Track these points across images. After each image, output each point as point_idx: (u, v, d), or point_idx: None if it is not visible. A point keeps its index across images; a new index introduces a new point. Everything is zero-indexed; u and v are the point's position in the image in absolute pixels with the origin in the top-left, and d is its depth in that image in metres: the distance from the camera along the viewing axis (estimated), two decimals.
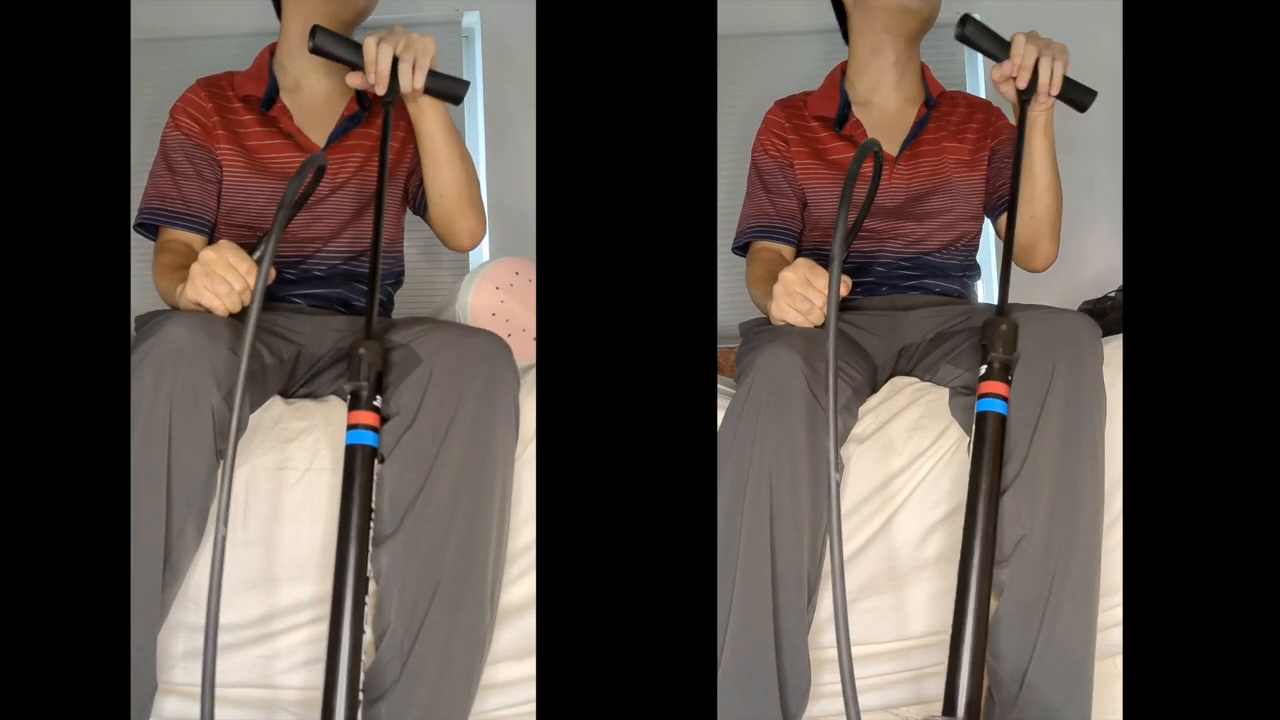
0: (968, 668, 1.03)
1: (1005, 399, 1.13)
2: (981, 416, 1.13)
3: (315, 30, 1.31)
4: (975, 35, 1.34)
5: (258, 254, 1.18)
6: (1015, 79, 1.31)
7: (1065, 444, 1.15)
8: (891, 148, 1.48)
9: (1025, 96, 1.32)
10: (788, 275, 1.25)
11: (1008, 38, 1.34)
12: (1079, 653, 1.14)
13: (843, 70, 1.56)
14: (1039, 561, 1.14)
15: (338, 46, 1.32)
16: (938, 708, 1.20)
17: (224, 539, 0.92)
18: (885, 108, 1.51)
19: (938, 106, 1.51)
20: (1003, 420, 1.12)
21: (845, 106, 1.51)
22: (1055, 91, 1.31)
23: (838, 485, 0.95)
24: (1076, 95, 1.36)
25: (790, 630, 1.15)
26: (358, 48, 1.30)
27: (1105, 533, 1.22)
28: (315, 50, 1.31)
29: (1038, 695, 1.12)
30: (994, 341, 1.15)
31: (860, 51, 1.53)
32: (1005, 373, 1.14)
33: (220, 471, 0.92)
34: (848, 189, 1.05)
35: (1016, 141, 1.30)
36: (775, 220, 1.51)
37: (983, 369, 1.16)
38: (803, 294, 1.24)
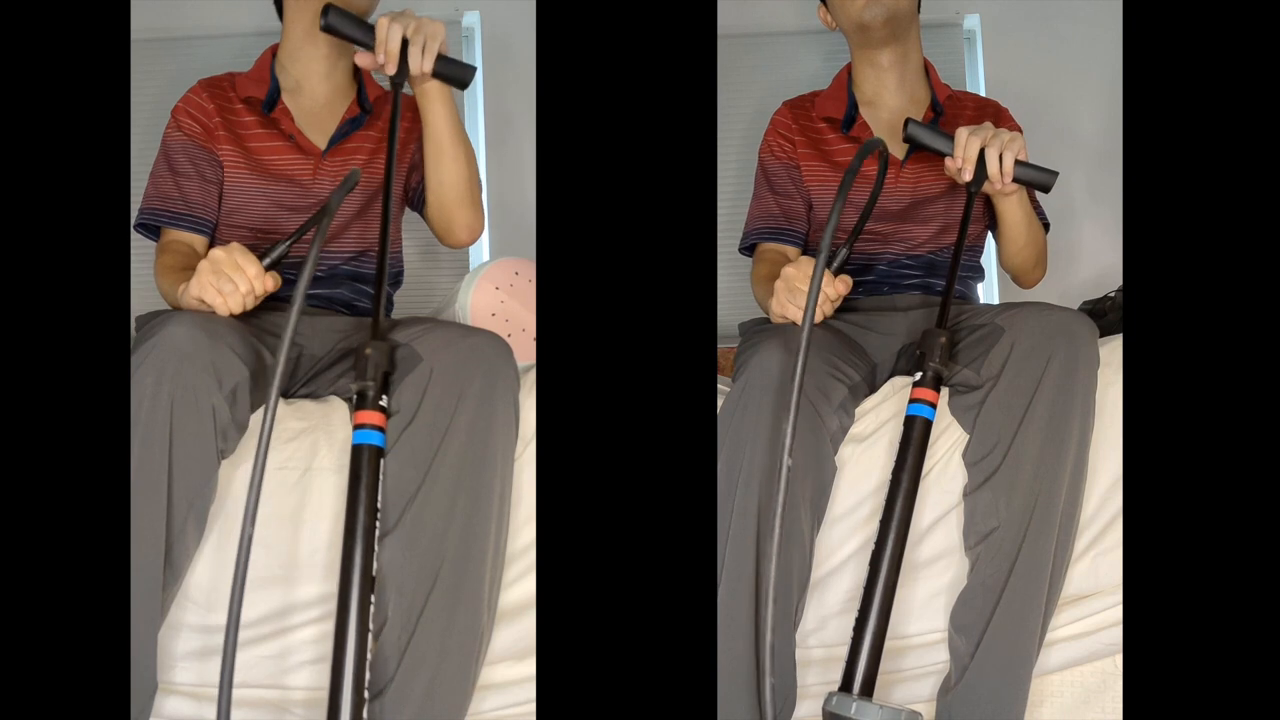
0: (867, 650, 1.08)
1: (933, 405, 1.17)
2: (910, 419, 1.17)
3: (328, 8, 1.31)
4: (919, 134, 1.36)
5: (268, 260, 1.18)
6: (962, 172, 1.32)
7: (1049, 441, 1.16)
8: (899, 150, 1.48)
9: (973, 188, 1.32)
10: (790, 271, 1.26)
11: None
12: (1027, 636, 1.17)
13: (850, 71, 1.56)
14: (1007, 550, 1.16)
15: (349, 26, 1.32)
16: (929, 708, 1.21)
17: (250, 539, 0.92)
18: (891, 109, 1.51)
19: (945, 111, 1.51)
20: (928, 425, 1.17)
21: (853, 108, 1.51)
22: (1008, 180, 1.31)
23: (789, 470, 0.99)
24: (1036, 178, 1.33)
25: (774, 631, 1.15)
26: (369, 28, 1.31)
27: (1105, 532, 1.23)
28: (327, 28, 1.32)
29: (987, 666, 1.16)
30: (931, 352, 1.19)
31: (855, 57, 1.53)
32: (937, 382, 1.19)
33: (253, 468, 0.92)
34: (845, 184, 1.06)
35: (960, 229, 1.30)
36: (781, 222, 1.51)
37: (917, 375, 1.19)
38: (804, 290, 1.24)
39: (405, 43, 1.29)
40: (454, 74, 1.33)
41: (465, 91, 2.01)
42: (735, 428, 1.18)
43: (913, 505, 1.14)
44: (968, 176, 1.31)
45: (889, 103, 1.52)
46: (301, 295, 0.97)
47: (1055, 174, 1.33)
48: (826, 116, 1.52)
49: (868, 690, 1.07)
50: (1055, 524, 1.17)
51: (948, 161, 1.34)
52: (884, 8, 1.43)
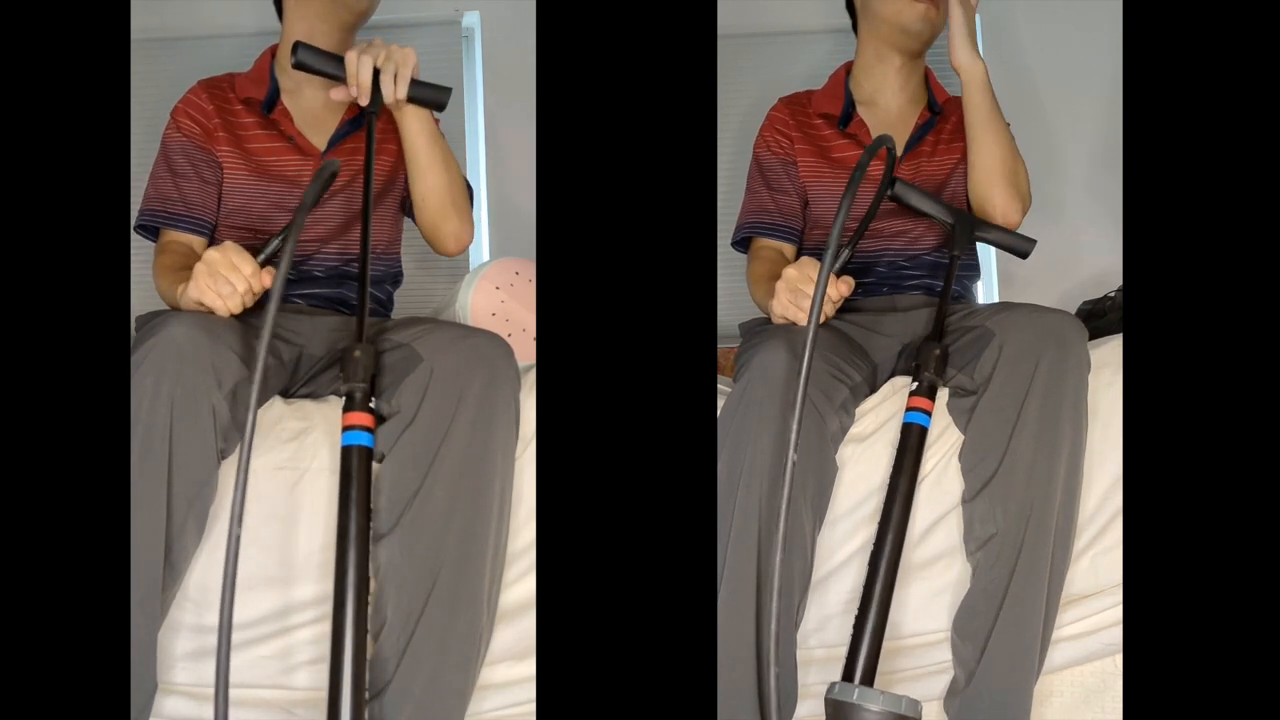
0: (867, 643, 1.10)
1: (929, 413, 1.20)
2: (907, 427, 1.19)
3: (297, 46, 1.32)
4: (905, 194, 1.37)
5: (262, 256, 1.19)
6: None
7: (1041, 446, 1.17)
8: (896, 147, 1.48)
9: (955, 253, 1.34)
10: (791, 272, 1.26)
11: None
12: (1030, 640, 1.17)
13: (848, 70, 1.56)
14: (1006, 556, 1.17)
15: (319, 61, 1.33)
16: (935, 708, 1.21)
17: (237, 539, 0.92)
18: (889, 109, 1.52)
19: (941, 112, 1.52)
20: (924, 432, 1.19)
21: (850, 105, 1.51)
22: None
23: (794, 465, 1.01)
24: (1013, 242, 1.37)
25: (777, 631, 1.15)
26: (340, 61, 1.32)
27: (1104, 531, 1.23)
28: (298, 66, 1.33)
29: (993, 671, 1.17)
30: (926, 363, 1.22)
31: (866, 54, 1.54)
32: (932, 391, 1.22)
33: (237, 469, 0.92)
34: (855, 178, 1.07)
35: (944, 287, 1.31)
36: (776, 217, 1.51)
37: (914, 384, 1.22)
38: (806, 291, 1.24)
39: (378, 72, 1.30)
40: (428, 97, 1.33)
41: (465, 91, 2.03)
42: (737, 428, 1.18)
43: (909, 509, 1.16)
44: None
45: (888, 103, 1.52)
46: (278, 294, 0.95)
47: (1033, 242, 1.36)
48: (823, 113, 1.52)
49: (868, 681, 1.08)
50: (1052, 528, 1.17)
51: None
52: (933, 26, 1.46)
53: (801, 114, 1.54)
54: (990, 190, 1.38)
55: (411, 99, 1.32)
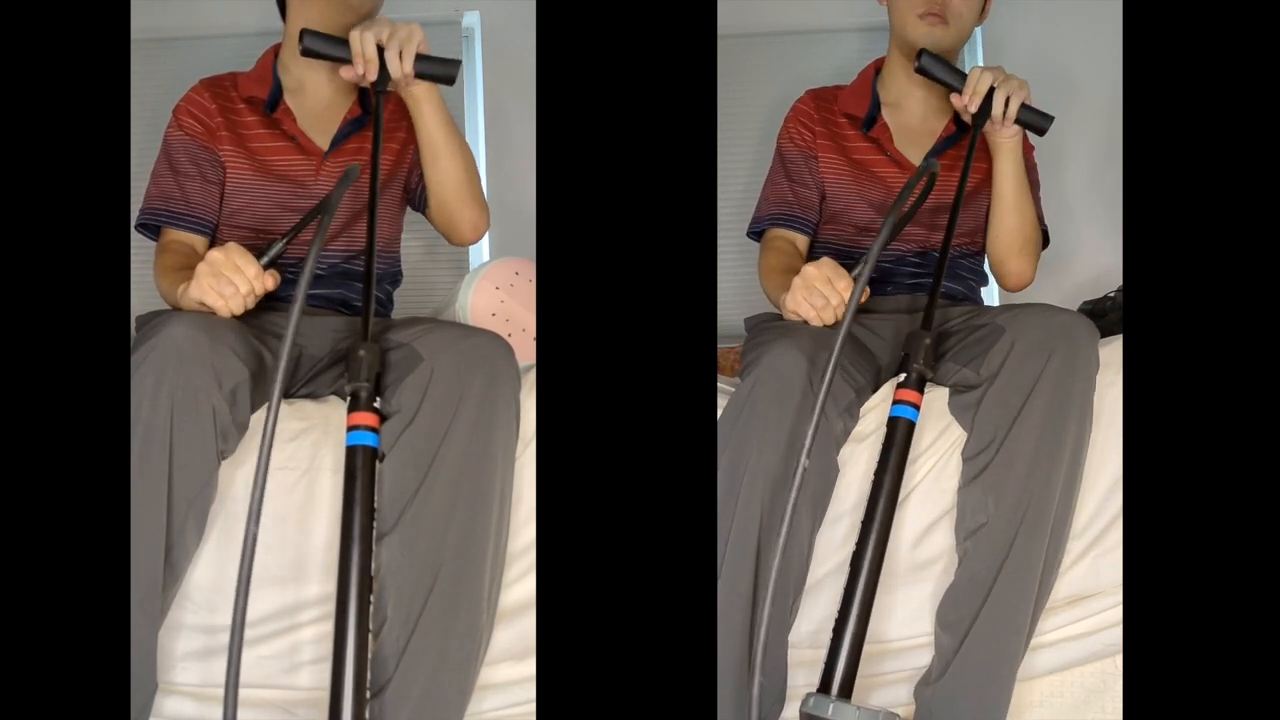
0: (846, 652, 1.07)
1: (917, 407, 1.16)
2: (893, 420, 1.15)
3: (304, 33, 1.32)
4: (931, 66, 1.41)
5: (266, 259, 1.19)
6: (968, 105, 1.37)
7: (1044, 440, 1.16)
8: (916, 156, 1.48)
9: (978, 121, 1.38)
10: (810, 270, 1.26)
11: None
12: (1014, 635, 1.17)
13: (876, 69, 1.56)
14: (997, 547, 1.16)
15: (326, 45, 1.33)
16: (913, 711, 1.21)
17: (254, 538, 0.92)
18: (913, 114, 1.52)
19: (967, 126, 1.51)
20: (911, 426, 1.16)
21: (875, 108, 1.51)
22: (1011, 120, 1.37)
23: (804, 472, 1.00)
24: (1034, 120, 1.40)
25: (769, 631, 1.15)
26: (346, 44, 1.32)
27: (1105, 533, 1.23)
28: (305, 52, 1.32)
29: (971, 663, 1.16)
30: (915, 353, 1.18)
31: (893, 56, 1.53)
32: (921, 383, 1.17)
33: (256, 468, 0.92)
34: (896, 206, 1.08)
35: (964, 161, 1.35)
36: (795, 209, 1.51)
37: (901, 376, 1.18)
38: (822, 291, 1.24)
39: (384, 50, 1.30)
40: (436, 72, 1.33)
41: (465, 90, 2.03)
42: (742, 428, 1.18)
43: (894, 507, 1.13)
44: (973, 108, 1.37)
45: (913, 107, 1.52)
46: (303, 295, 0.96)
47: (1051, 118, 1.40)
48: (848, 113, 1.52)
49: (846, 691, 1.06)
50: (1048, 524, 1.17)
51: (954, 98, 1.40)
52: (938, 44, 1.44)
53: (827, 110, 1.54)
54: (1007, 258, 1.46)
55: (420, 75, 1.32)
